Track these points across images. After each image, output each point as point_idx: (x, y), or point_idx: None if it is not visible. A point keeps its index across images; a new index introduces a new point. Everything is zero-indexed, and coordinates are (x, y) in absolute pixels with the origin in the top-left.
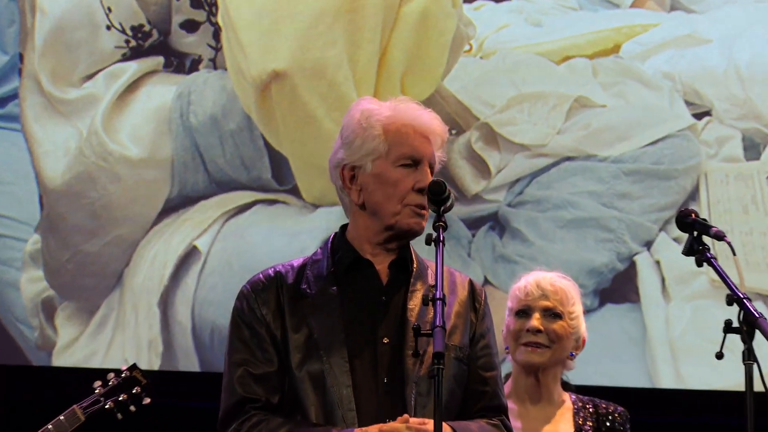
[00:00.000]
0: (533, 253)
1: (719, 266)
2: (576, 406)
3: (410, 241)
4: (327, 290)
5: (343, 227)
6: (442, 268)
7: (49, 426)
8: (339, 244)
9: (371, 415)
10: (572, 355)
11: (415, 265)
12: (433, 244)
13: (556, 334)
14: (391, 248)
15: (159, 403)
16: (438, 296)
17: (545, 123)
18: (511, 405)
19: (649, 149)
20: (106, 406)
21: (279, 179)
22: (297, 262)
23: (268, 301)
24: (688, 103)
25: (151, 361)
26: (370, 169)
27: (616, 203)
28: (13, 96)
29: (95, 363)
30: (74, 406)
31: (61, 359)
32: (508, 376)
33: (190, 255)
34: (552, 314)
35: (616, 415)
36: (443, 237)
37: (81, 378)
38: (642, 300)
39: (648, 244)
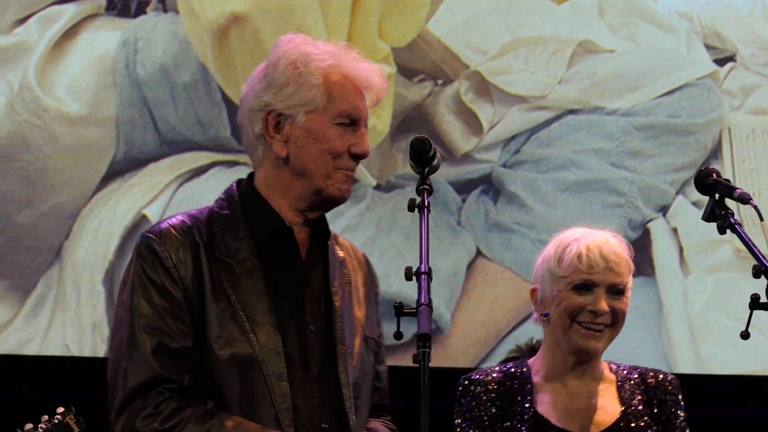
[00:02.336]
0: (532, 220)
1: (745, 233)
2: (619, 378)
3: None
4: (248, 259)
5: (249, 176)
6: (428, 238)
7: None
8: (251, 198)
9: (306, 416)
10: None
11: (330, 239)
12: (417, 210)
13: (622, 314)
14: (312, 216)
15: (105, 395)
16: (423, 270)
17: (545, 71)
18: (539, 381)
19: (664, 100)
20: None
21: (240, 138)
22: (201, 215)
23: (185, 261)
24: (708, 47)
25: (95, 346)
26: (301, 122)
27: (626, 162)
28: None
29: (32, 350)
30: None
31: None
32: (536, 344)
33: (138, 225)
34: (617, 291)
35: (667, 384)
36: (428, 202)
37: (15, 367)
38: (657, 272)
39: (663, 209)
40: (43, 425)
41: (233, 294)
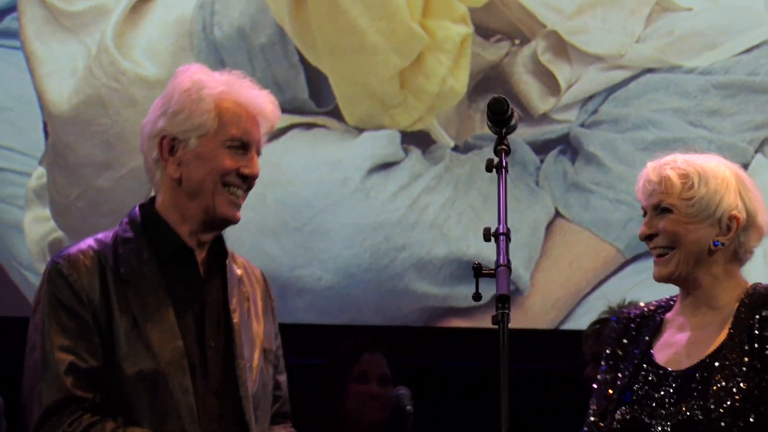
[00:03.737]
0: (610, 180)
1: None
2: (745, 304)
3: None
4: (152, 279)
5: (151, 200)
6: (506, 198)
7: None
8: (152, 221)
9: (207, 428)
10: (717, 244)
11: (228, 257)
12: (494, 170)
13: (669, 232)
14: (206, 238)
15: None
16: (501, 230)
17: (622, 30)
18: (671, 316)
19: (742, 58)
20: None
21: (317, 100)
22: (106, 238)
23: (93, 285)
24: None
25: None
26: (193, 146)
27: (704, 121)
28: (11, 9)
29: None
30: None
31: None
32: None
33: None
34: (661, 210)
35: None
36: (506, 162)
37: None
38: None
39: (743, 168)
40: None
41: (138, 313)
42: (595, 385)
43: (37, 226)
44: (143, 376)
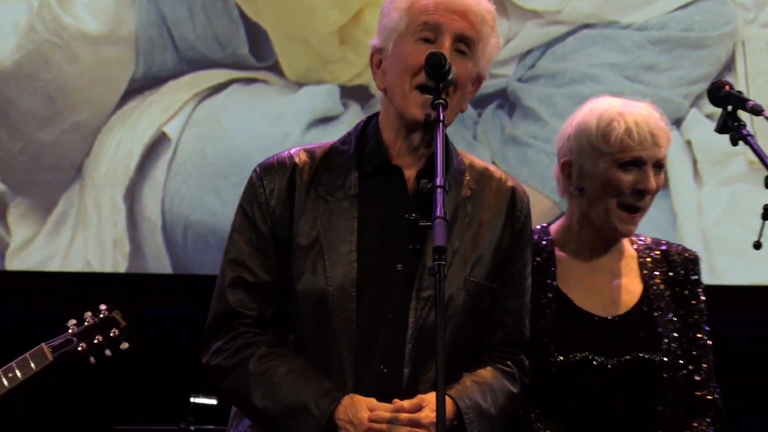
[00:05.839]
0: (547, 134)
1: (757, 145)
2: (641, 254)
3: (448, 138)
4: (346, 198)
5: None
6: (443, 151)
7: (13, 364)
8: (369, 134)
9: (367, 361)
10: None
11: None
12: (432, 124)
13: (659, 189)
14: (417, 145)
15: (127, 310)
16: (438, 183)
17: None
18: (563, 255)
19: (677, 14)
20: (79, 348)
21: (257, 55)
22: (319, 148)
23: (280, 197)
24: None
25: (116, 262)
26: (390, 50)
27: (641, 76)
28: None
29: (54, 266)
30: (42, 344)
31: (14, 262)
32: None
33: (158, 142)
34: (660, 165)
35: (690, 263)
36: (444, 116)
37: (38, 284)
38: (671, 185)
39: (677, 122)
40: (90, 320)
41: (322, 230)
42: None
43: None
44: (312, 299)
